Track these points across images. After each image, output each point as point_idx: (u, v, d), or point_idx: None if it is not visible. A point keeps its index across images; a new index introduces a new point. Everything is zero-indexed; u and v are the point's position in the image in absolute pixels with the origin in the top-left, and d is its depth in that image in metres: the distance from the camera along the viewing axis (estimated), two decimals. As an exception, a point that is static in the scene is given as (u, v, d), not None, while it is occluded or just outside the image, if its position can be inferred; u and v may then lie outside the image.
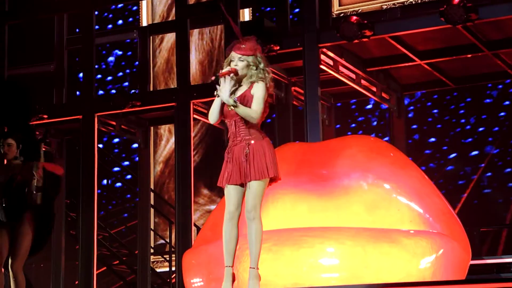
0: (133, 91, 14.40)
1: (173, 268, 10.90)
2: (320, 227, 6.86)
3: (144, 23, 13.92)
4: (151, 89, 12.93)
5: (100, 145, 14.10)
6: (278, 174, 6.09)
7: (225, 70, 6.11)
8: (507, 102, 13.59)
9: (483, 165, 13.03)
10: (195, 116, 10.41)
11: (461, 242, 6.89)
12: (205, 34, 13.99)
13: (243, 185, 6.07)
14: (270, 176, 6.05)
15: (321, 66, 9.67)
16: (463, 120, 13.50)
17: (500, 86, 13.49)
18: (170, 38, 13.95)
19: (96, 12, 11.19)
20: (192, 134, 10.10)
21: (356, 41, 9.26)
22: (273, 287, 6.15)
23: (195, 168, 10.33)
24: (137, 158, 12.66)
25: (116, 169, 14.47)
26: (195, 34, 13.87)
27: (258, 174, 6.02)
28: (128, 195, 14.46)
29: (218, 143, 6.23)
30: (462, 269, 6.87)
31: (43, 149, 10.94)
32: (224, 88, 6.05)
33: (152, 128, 12.20)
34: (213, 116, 6.17)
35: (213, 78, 6.11)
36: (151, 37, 11.84)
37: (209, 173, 12.98)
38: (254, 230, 6.02)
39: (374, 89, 10.98)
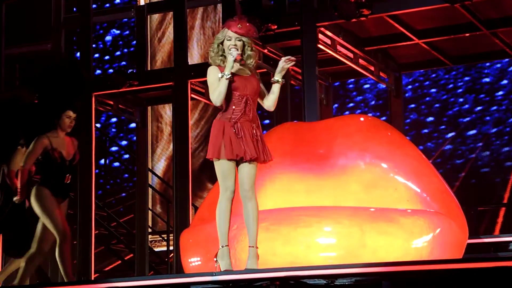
0: (130, 70, 14.37)
1: (171, 248, 10.91)
2: (317, 207, 6.87)
3: (142, 1, 13.86)
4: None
5: (98, 125, 14.10)
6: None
7: (236, 54, 6.17)
8: (505, 81, 13.59)
9: (480, 144, 13.05)
10: (192, 95, 10.40)
11: (459, 221, 6.90)
12: (207, 28, 13.95)
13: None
14: (271, 160, 6.22)
15: (319, 45, 9.65)
16: (461, 99, 13.51)
17: (498, 65, 13.48)
18: (170, 33, 13.88)
19: (93, -9, 11.15)
20: (194, 133, 10.09)
21: (354, 20, 9.23)
22: (270, 266, 6.16)
23: (202, 164, 10.34)
24: (134, 138, 12.66)
25: (113, 148, 14.48)
26: (196, 27, 13.83)
27: (266, 156, 6.16)
28: (126, 175, 14.48)
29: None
30: (459, 248, 6.89)
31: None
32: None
33: (149, 109, 12.16)
34: (221, 97, 6.16)
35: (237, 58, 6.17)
36: (148, 16, 11.80)
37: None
38: (253, 208, 6.07)
39: (372, 68, 10.96)
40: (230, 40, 6.23)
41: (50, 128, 7.95)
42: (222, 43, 6.26)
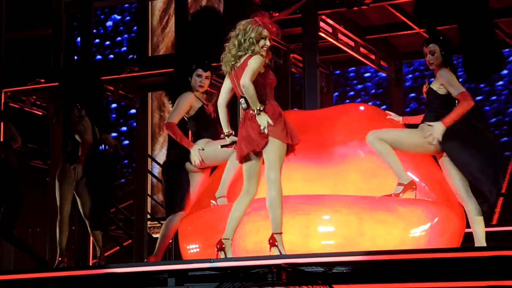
0: (131, 56, 14.36)
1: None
2: (316, 195, 6.87)
3: (143, -13, 13.82)
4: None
5: (98, 110, 14.06)
6: None
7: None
8: (505, 72, 13.57)
9: (480, 134, 13.02)
10: (192, 82, 10.37)
11: (456, 211, 6.91)
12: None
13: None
14: None
15: (320, 33, 9.64)
16: (461, 89, 13.46)
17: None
18: (173, 22, 13.83)
19: (94, -24, 11.14)
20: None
21: (355, 8, 9.22)
22: (268, 253, 6.17)
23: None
24: (134, 124, 12.66)
25: (113, 134, 14.47)
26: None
27: None
28: (126, 161, 14.47)
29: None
30: (457, 238, 6.90)
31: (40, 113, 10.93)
32: None
33: (149, 95, 12.14)
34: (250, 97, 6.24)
35: None
36: (149, 1, 11.78)
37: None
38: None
39: (373, 57, 10.96)
40: (265, 39, 6.27)
41: None
42: (254, 38, 6.23)
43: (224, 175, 7.10)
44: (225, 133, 6.43)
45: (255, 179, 6.28)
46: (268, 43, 6.27)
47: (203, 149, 7.22)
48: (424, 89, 7.00)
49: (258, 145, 6.14)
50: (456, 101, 6.78)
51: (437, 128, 6.66)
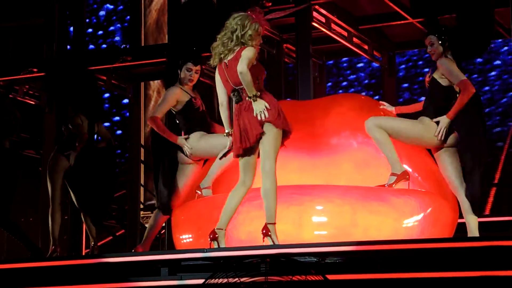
0: (124, 46, 14.31)
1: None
2: (309, 185, 6.89)
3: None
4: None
5: (91, 100, 14.04)
6: None
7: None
8: (497, 62, 13.59)
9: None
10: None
11: (450, 201, 6.93)
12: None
13: None
14: None
15: (313, 23, 9.63)
16: (454, 79, 13.47)
17: (492, 46, 13.47)
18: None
19: (87, -34, 11.11)
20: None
21: (348, -2, 9.22)
22: (262, 243, 6.18)
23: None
24: (127, 114, 12.64)
25: (106, 124, 14.44)
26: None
27: None
28: (118, 151, 14.45)
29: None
30: (450, 228, 6.91)
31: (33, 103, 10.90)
32: None
33: (142, 85, 12.12)
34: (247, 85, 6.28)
35: None
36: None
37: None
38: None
39: (366, 47, 10.95)
40: (259, 36, 6.29)
41: None
42: (252, 35, 6.24)
43: (212, 168, 7.10)
44: (226, 133, 6.40)
45: (251, 171, 6.30)
46: (261, 40, 6.32)
47: (187, 138, 7.18)
48: (427, 79, 6.98)
49: (254, 135, 6.13)
50: (458, 92, 6.78)
51: (443, 123, 6.66)
